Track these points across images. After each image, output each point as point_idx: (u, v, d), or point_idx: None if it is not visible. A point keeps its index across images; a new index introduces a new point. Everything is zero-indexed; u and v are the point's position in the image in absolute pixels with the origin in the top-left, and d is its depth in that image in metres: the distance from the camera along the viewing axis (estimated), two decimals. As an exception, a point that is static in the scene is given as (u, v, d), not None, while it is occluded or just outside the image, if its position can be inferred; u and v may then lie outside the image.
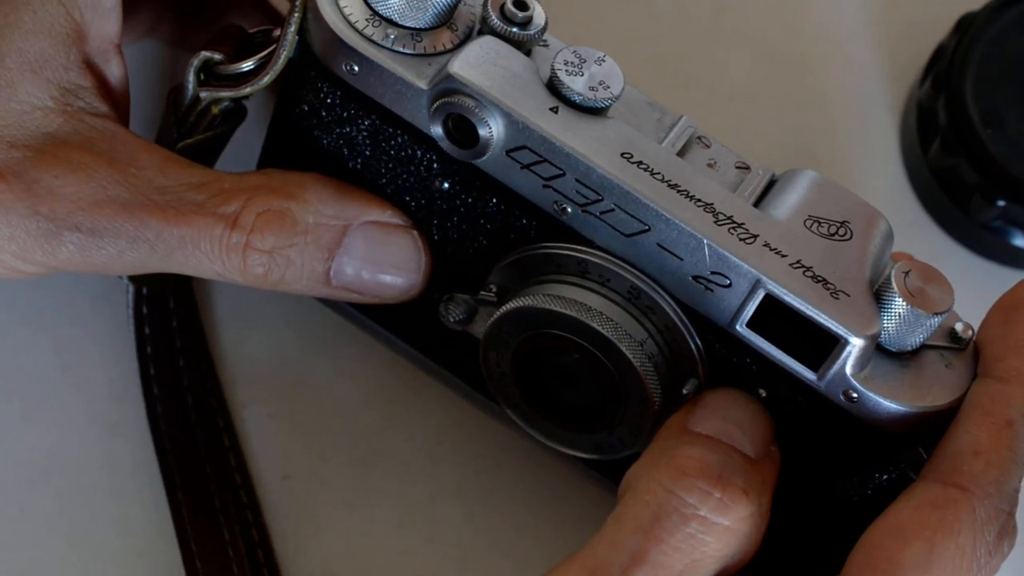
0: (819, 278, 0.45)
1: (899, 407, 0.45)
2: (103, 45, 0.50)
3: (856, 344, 0.44)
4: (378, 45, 0.47)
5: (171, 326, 0.58)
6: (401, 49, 0.47)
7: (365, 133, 0.49)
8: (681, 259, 0.45)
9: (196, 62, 0.50)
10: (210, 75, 0.50)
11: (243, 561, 0.55)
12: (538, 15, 0.48)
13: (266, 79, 0.49)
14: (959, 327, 0.47)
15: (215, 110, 0.51)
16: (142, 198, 0.48)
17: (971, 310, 0.49)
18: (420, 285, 0.52)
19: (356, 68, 0.47)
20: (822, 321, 0.44)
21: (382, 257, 0.50)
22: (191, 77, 0.50)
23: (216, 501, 0.56)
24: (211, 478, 0.56)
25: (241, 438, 0.58)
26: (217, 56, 0.50)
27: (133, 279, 0.57)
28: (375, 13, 0.47)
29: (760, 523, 0.45)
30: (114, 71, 0.51)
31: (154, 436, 0.57)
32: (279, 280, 0.49)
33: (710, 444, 0.45)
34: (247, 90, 0.50)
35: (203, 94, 0.50)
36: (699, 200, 0.45)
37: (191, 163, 0.50)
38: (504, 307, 0.48)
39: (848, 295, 0.44)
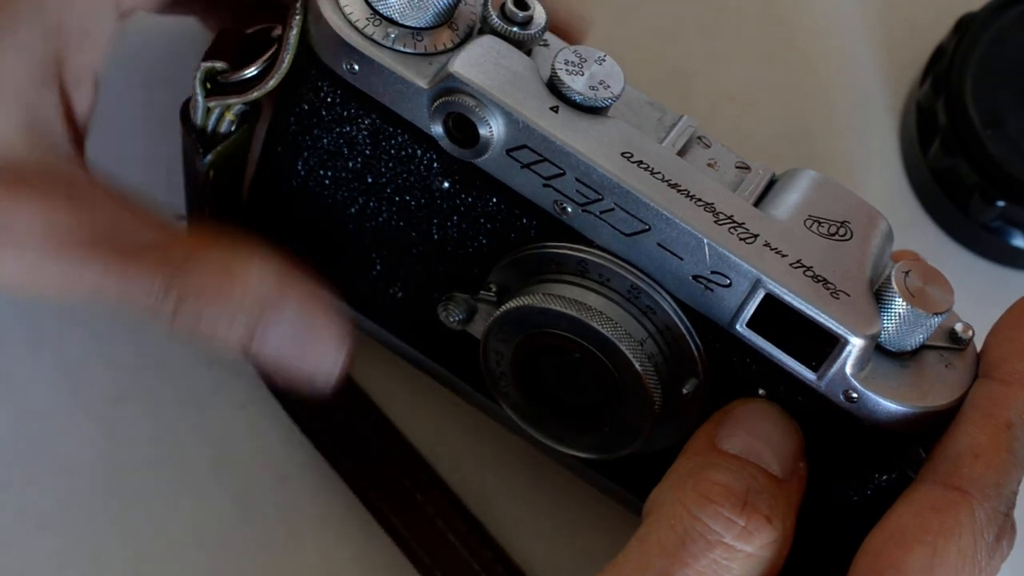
0: (819, 278, 0.45)
1: (899, 407, 0.45)
2: (81, 73, 0.50)
3: (856, 344, 0.44)
4: (379, 44, 0.47)
5: None
6: (402, 48, 0.47)
7: (365, 132, 0.50)
8: (681, 258, 0.45)
9: (199, 74, 0.50)
10: (216, 84, 0.50)
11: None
12: (538, 14, 0.48)
13: (271, 83, 0.49)
14: (959, 327, 0.47)
15: (229, 116, 0.51)
16: (89, 241, 0.48)
17: (970, 311, 0.49)
18: (339, 372, 0.52)
19: (357, 67, 0.47)
20: (822, 321, 0.44)
21: (304, 340, 0.51)
22: (198, 89, 0.50)
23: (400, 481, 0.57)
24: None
25: (241, 438, 0.58)
26: (219, 65, 0.50)
27: None
28: (376, 12, 0.47)
29: (783, 547, 0.45)
30: (83, 98, 0.51)
31: (299, 423, 0.58)
32: (202, 341, 0.50)
33: (737, 465, 0.45)
34: (254, 95, 0.50)
35: (211, 104, 0.50)
36: (699, 199, 0.45)
37: (144, 211, 0.50)
38: (504, 306, 0.48)
39: (848, 295, 0.44)
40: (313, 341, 0.50)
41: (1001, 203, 0.60)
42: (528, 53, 0.47)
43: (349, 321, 0.51)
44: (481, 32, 0.48)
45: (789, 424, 0.47)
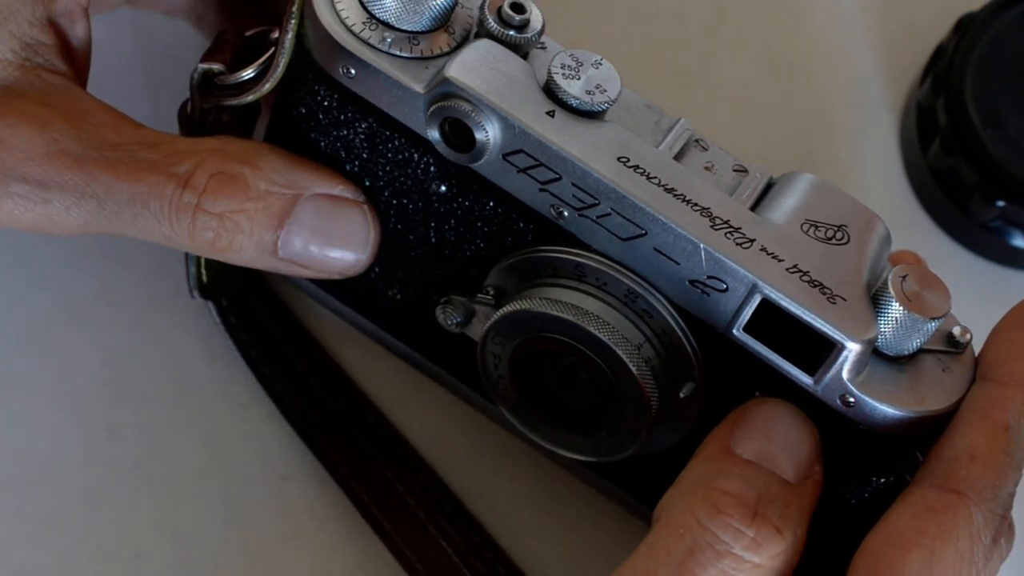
0: (816, 283, 0.44)
1: (896, 411, 0.45)
2: (70, 6, 0.50)
3: (852, 349, 0.44)
4: (375, 48, 0.47)
5: (264, 323, 0.58)
6: (398, 52, 0.47)
7: (362, 136, 0.50)
8: (677, 263, 0.45)
9: (196, 76, 0.50)
10: (212, 86, 0.50)
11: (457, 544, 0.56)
12: (535, 18, 0.47)
13: (267, 86, 0.49)
14: (956, 331, 0.47)
15: (225, 117, 0.51)
16: (94, 153, 0.47)
17: (970, 311, 0.49)
18: (366, 261, 0.51)
19: (353, 71, 0.47)
20: (818, 326, 0.44)
21: (330, 230, 0.50)
22: (194, 90, 0.50)
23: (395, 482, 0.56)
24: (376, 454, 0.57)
25: (241, 438, 0.58)
26: (216, 67, 0.50)
27: (206, 295, 0.57)
28: (372, 16, 0.47)
29: (793, 555, 0.45)
30: (77, 33, 0.50)
31: (294, 424, 0.58)
32: (227, 246, 0.49)
33: (749, 473, 0.45)
34: (249, 98, 0.50)
35: (207, 106, 0.50)
36: (696, 204, 0.45)
37: (145, 126, 0.49)
38: (501, 310, 0.48)
39: (845, 300, 0.44)
40: (338, 231, 0.50)
41: (1001, 203, 0.60)
42: (524, 57, 0.47)
43: (368, 203, 0.51)
44: (478, 36, 0.47)
45: (806, 426, 0.47)
